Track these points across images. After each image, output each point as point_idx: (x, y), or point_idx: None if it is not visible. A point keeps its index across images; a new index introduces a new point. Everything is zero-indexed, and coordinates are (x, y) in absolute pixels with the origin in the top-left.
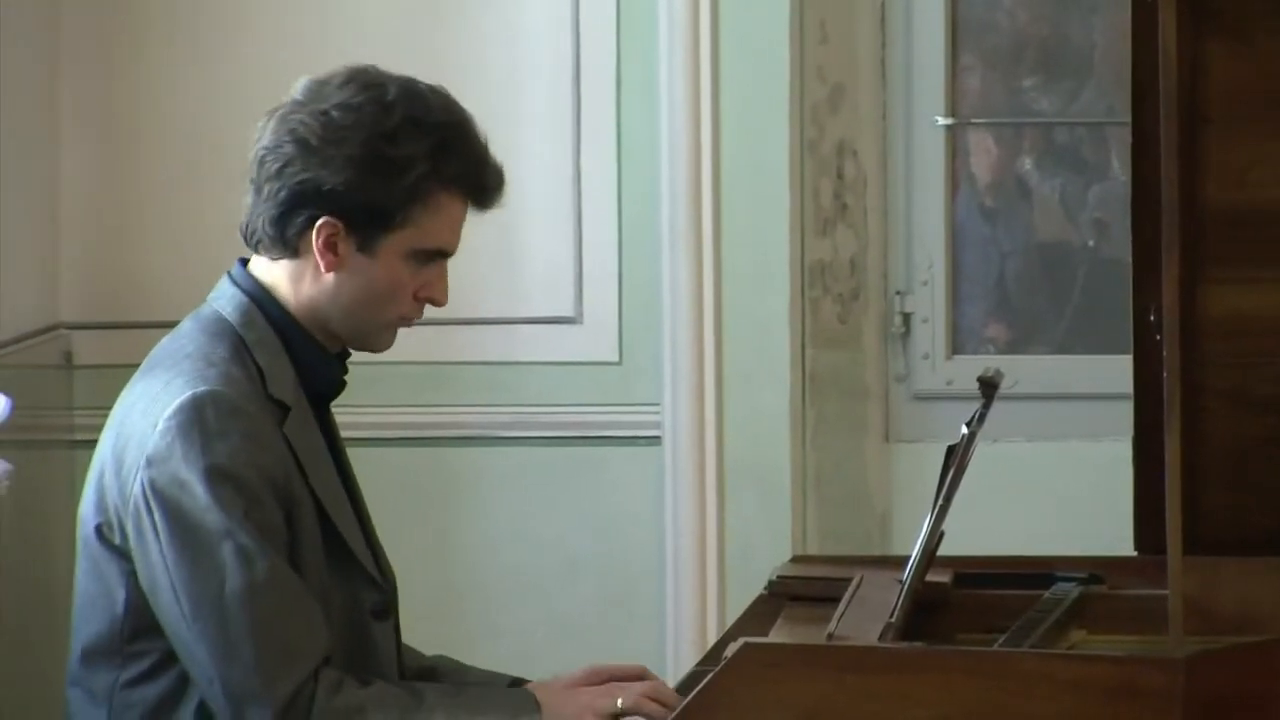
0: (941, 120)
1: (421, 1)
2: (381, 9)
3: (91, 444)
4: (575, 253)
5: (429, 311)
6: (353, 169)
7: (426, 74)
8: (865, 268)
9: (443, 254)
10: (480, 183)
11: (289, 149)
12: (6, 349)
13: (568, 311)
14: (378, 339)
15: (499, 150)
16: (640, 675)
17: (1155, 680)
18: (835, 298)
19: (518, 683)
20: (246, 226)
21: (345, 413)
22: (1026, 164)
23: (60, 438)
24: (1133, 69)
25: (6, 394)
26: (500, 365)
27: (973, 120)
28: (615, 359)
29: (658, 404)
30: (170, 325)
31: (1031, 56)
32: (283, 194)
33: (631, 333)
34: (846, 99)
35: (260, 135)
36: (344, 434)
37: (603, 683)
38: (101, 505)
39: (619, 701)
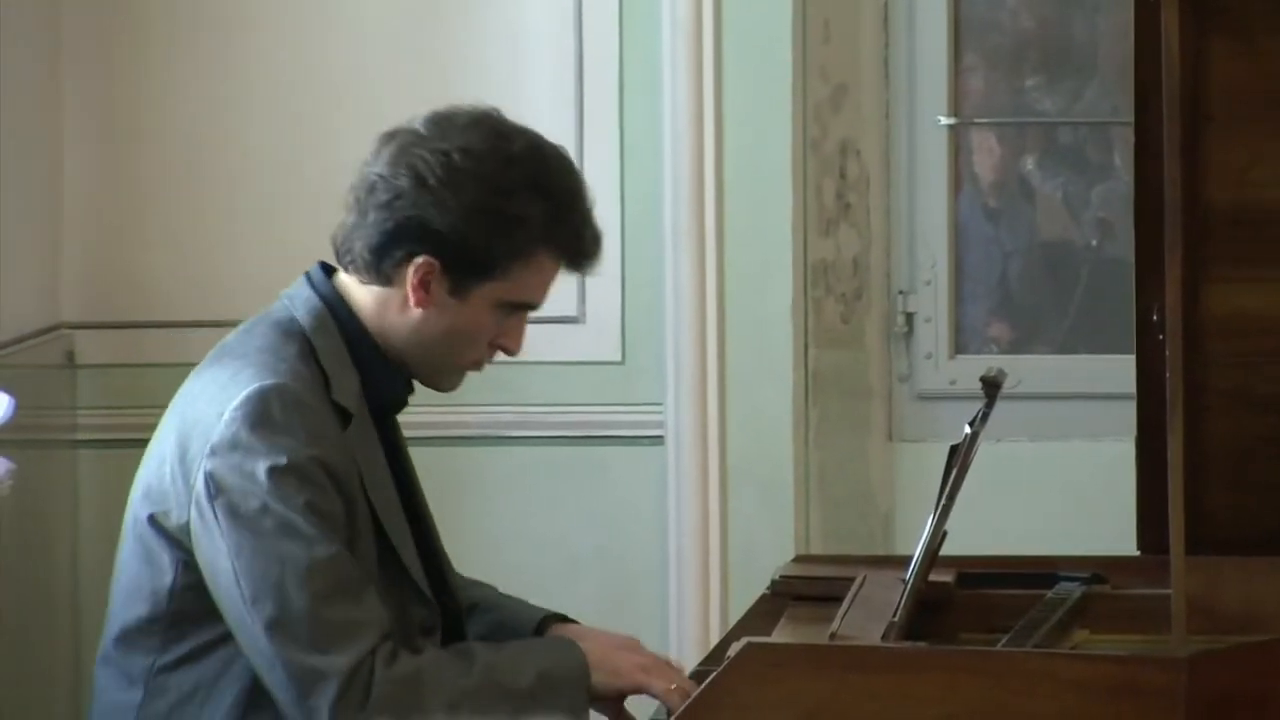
0: (944, 120)
1: (423, 0)
2: (383, 8)
3: (94, 444)
4: None
5: None
6: (464, 216)
7: (429, 74)
8: (868, 267)
9: (530, 307)
10: (582, 250)
11: (404, 182)
12: (8, 349)
13: (570, 311)
14: (447, 380)
15: None
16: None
17: (1158, 680)
18: (838, 297)
19: (552, 617)
20: (342, 244)
21: None
22: (1029, 164)
23: (62, 437)
24: (1135, 68)
25: (9, 393)
26: (503, 365)
27: (975, 120)
28: (618, 358)
29: (660, 404)
30: (172, 325)
31: (1034, 56)
32: (388, 224)
33: (634, 332)
34: (849, 98)
35: (373, 159)
36: None
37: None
38: (160, 491)
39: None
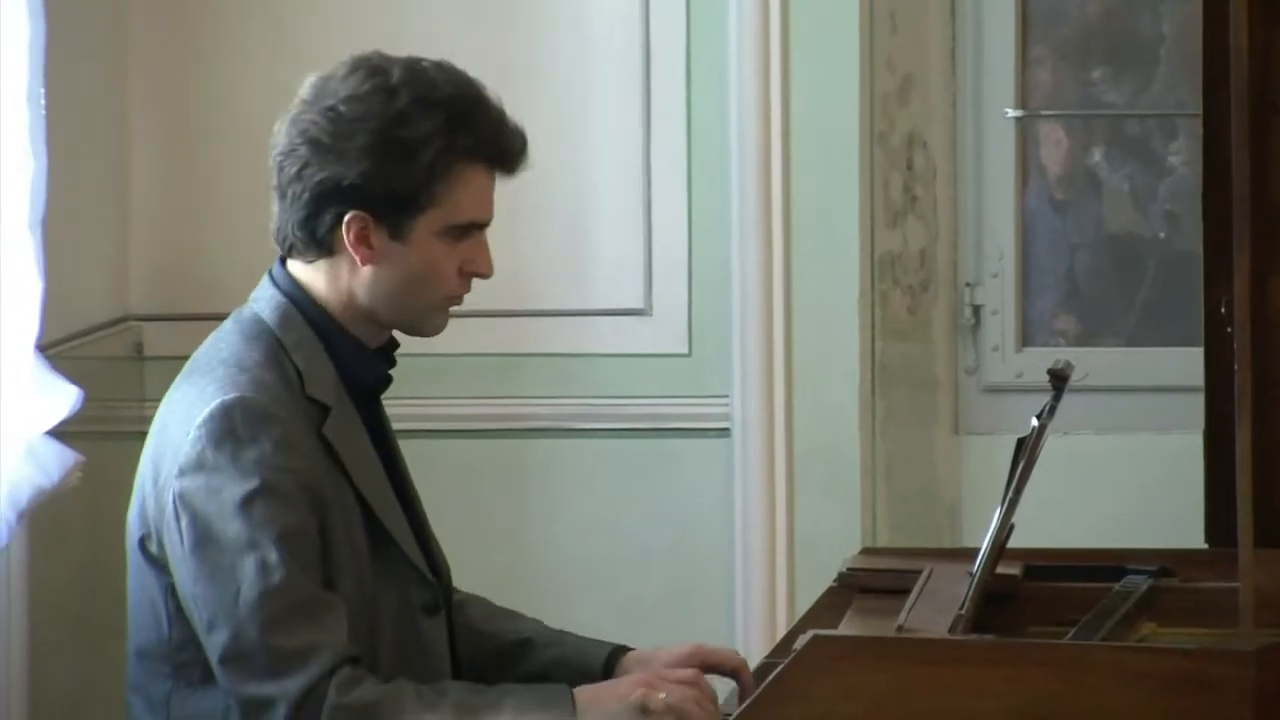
0: (1011, 112)
1: None
2: (450, 5)
3: None
4: (645, 245)
5: (500, 303)
6: (369, 159)
7: (497, 71)
8: (935, 259)
9: (477, 225)
10: (499, 147)
11: (303, 150)
12: (77, 341)
13: (637, 303)
14: (428, 322)
15: (569, 144)
16: (736, 662)
17: (1226, 673)
18: (905, 289)
19: (619, 650)
20: (278, 233)
21: (416, 405)
22: (1096, 156)
23: (131, 429)
24: (1203, 60)
25: (77, 385)
26: (570, 357)
27: (1043, 112)
28: (685, 351)
29: (727, 396)
30: None
31: (1101, 48)
32: (306, 196)
33: (701, 325)
34: (916, 90)
35: (275, 140)
36: (414, 426)
37: (701, 664)
38: (143, 517)
39: (662, 695)
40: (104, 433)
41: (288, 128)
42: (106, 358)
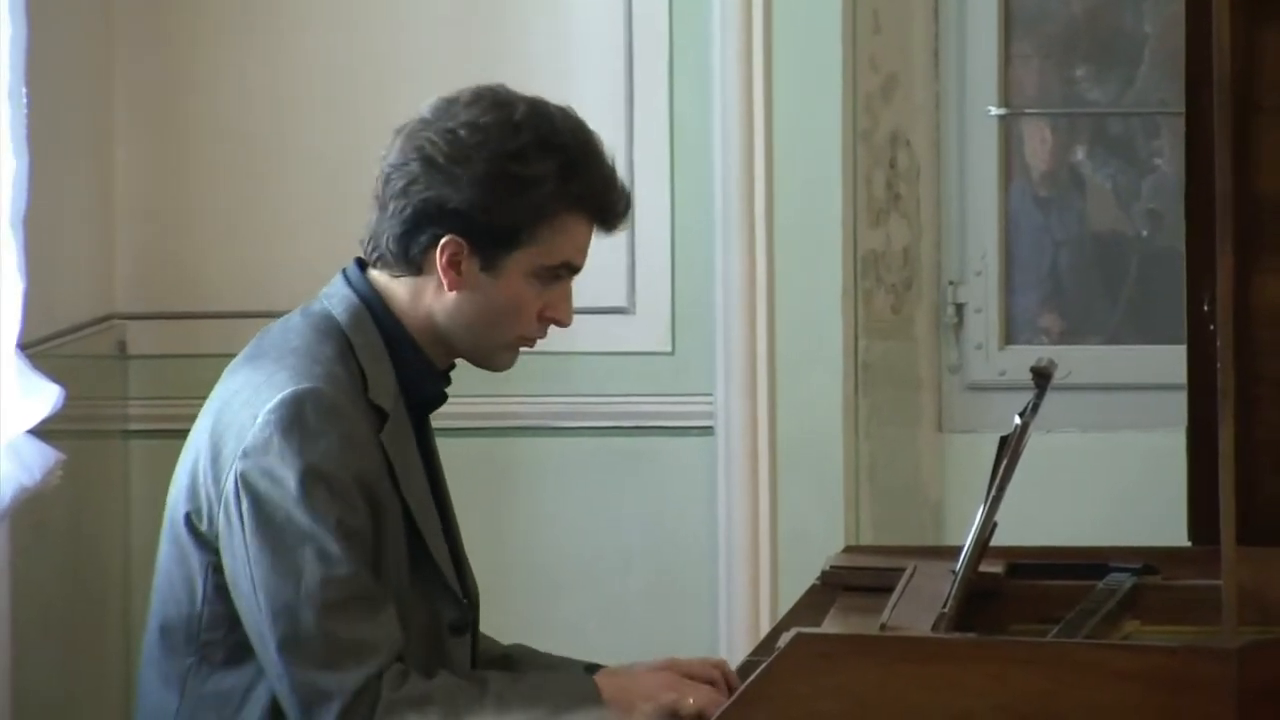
0: (995, 110)
1: None
2: (433, 4)
3: (145, 435)
4: (628, 243)
5: None
6: (479, 188)
7: (479, 69)
8: (918, 258)
9: (569, 269)
10: (606, 203)
11: (415, 167)
12: (61, 339)
13: (620, 302)
14: (499, 358)
15: None
16: (711, 675)
17: (1209, 671)
18: (888, 288)
19: (593, 669)
20: (370, 242)
21: None
22: (1080, 154)
23: (113, 428)
24: (1186, 58)
25: (60, 384)
26: (552, 355)
27: (1026, 110)
28: (668, 349)
29: (710, 394)
30: (224, 316)
31: (1084, 46)
32: (408, 211)
33: (684, 323)
34: (900, 89)
35: (387, 153)
36: None
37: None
38: (193, 492)
39: (691, 700)
40: (87, 431)
41: (402, 142)
42: (89, 356)
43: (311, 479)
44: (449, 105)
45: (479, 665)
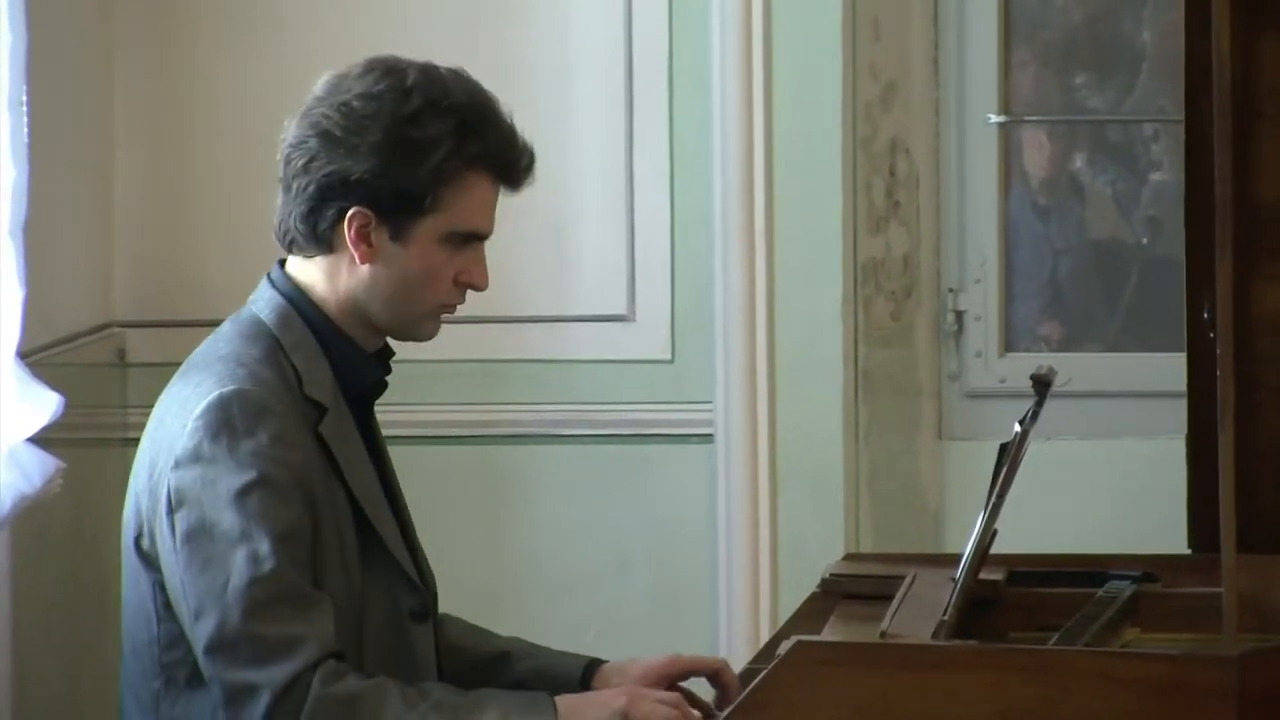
0: (994, 118)
1: (473, 2)
2: (434, 9)
3: None
4: (628, 251)
5: (482, 309)
6: (377, 156)
7: (480, 75)
8: (918, 265)
9: (477, 236)
10: (507, 160)
11: (313, 143)
12: (60, 347)
13: (620, 309)
14: (420, 328)
15: (552, 148)
16: (718, 668)
17: (1209, 678)
18: (888, 295)
19: (595, 663)
20: (280, 227)
21: (397, 411)
22: (1079, 161)
23: (113, 436)
24: (1186, 65)
25: (59, 392)
26: (552, 363)
27: (1025, 118)
28: (668, 357)
29: (710, 402)
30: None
31: (1083, 53)
32: (311, 188)
33: (684, 331)
34: (899, 96)
35: (285, 135)
36: (396, 432)
37: (681, 672)
38: (138, 513)
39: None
40: (87, 439)
41: (299, 121)
42: (89, 364)
43: (244, 481)
44: (341, 79)
45: (477, 661)
